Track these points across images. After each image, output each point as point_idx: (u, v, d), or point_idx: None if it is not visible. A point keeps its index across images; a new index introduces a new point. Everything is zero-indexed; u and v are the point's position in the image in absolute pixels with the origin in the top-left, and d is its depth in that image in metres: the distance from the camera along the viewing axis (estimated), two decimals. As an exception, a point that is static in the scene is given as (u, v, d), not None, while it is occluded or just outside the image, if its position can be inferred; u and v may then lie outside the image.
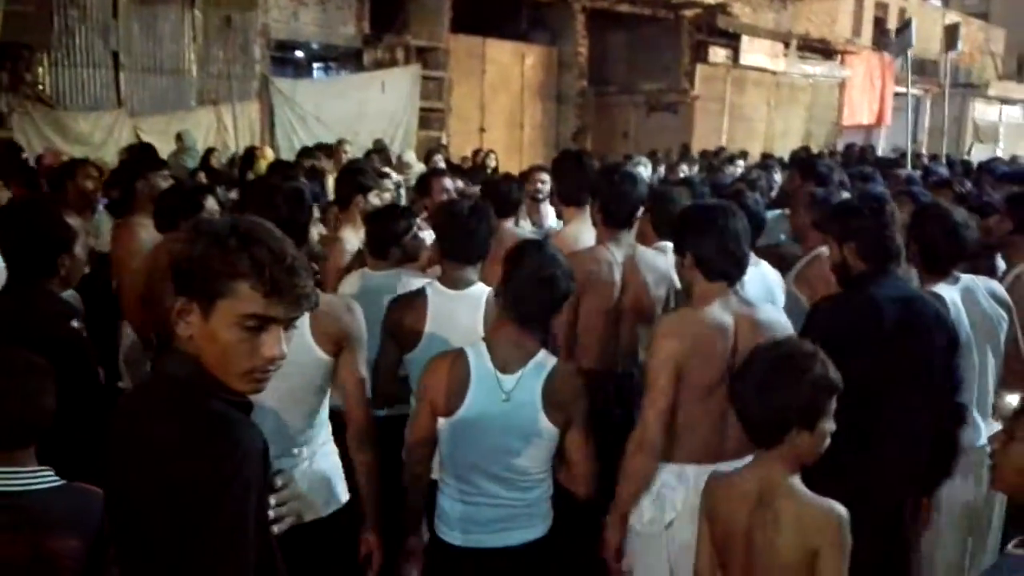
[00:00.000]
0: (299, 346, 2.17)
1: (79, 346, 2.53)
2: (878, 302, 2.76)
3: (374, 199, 4.21)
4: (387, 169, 7.04)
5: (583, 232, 3.76)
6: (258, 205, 2.48)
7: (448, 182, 4.94)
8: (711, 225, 2.58)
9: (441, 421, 2.44)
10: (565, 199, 4.06)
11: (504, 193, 4.25)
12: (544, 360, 2.46)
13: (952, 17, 25.91)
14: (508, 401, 2.39)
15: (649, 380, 2.56)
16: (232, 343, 1.43)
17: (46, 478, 1.87)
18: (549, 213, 5.20)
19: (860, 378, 2.70)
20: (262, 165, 9.34)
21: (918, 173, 7.83)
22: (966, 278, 3.25)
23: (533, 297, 2.42)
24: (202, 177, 8.10)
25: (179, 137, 10.12)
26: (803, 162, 5.62)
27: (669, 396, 2.50)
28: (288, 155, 11.24)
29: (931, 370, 2.79)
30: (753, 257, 3.21)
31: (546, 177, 5.18)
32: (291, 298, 1.45)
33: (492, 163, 11.03)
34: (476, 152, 12.01)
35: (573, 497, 2.57)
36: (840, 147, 16.79)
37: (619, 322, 3.40)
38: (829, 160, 6.43)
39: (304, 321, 1.93)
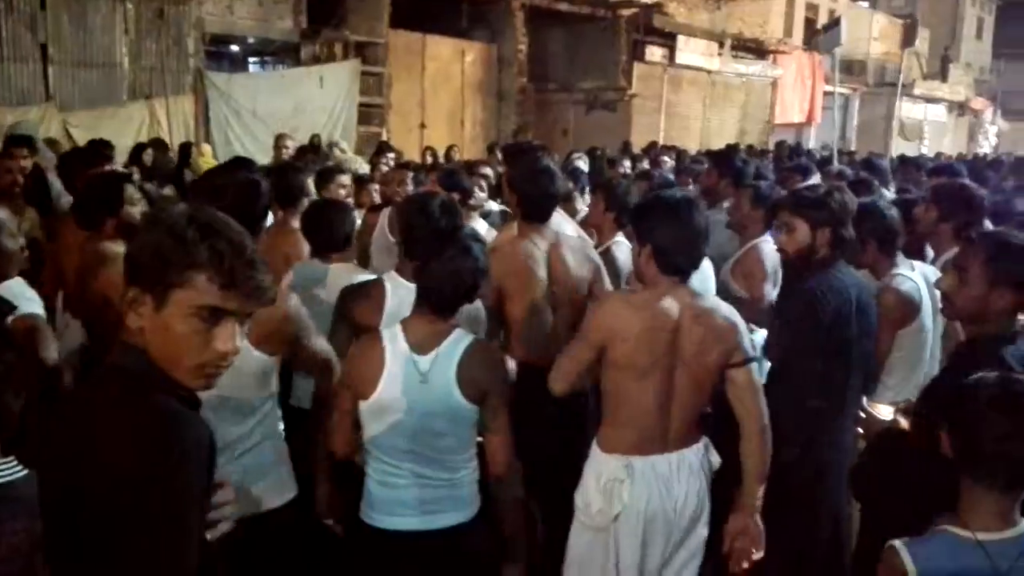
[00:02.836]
0: None
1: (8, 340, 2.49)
2: (845, 287, 2.96)
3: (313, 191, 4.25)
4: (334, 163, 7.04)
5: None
6: (208, 195, 2.46)
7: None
8: (673, 218, 2.58)
9: (362, 404, 2.45)
10: None
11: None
12: (460, 338, 2.49)
13: (880, 18, 26.74)
14: (425, 382, 2.41)
15: (574, 339, 2.68)
16: (185, 335, 1.41)
17: (18, 467, 1.85)
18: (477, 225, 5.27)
19: (839, 349, 2.93)
20: (200, 163, 9.19)
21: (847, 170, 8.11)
22: (918, 264, 3.43)
23: (441, 288, 2.47)
24: (135, 174, 7.91)
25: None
26: (720, 158, 5.80)
27: (584, 359, 2.62)
28: (223, 150, 11.07)
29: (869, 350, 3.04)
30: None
31: (488, 171, 5.25)
32: (248, 291, 1.43)
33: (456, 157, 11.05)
34: (449, 148, 11.96)
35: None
36: (771, 144, 17.23)
37: (552, 313, 3.39)
38: (744, 155, 6.62)
39: None
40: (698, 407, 2.68)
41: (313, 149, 9.80)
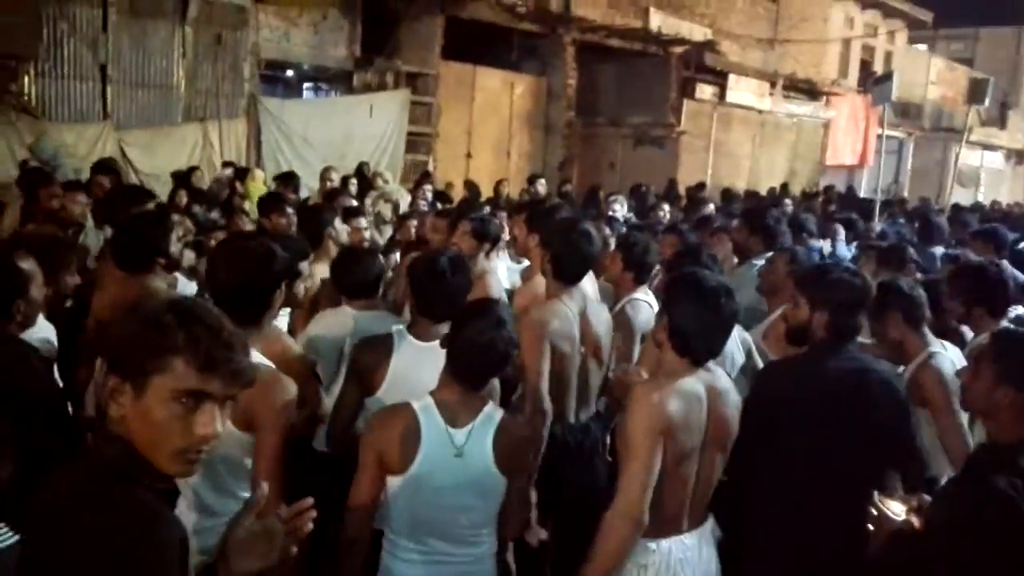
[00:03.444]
0: None
1: (42, 387, 2.53)
2: (833, 371, 2.81)
3: (342, 231, 4.30)
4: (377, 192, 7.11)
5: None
6: (225, 264, 2.50)
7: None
8: (701, 303, 2.46)
9: (391, 479, 2.39)
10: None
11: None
12: (493, 412, 2.47)
13: (937, 62, 26.35)
14: (460, 456, 2.38)
15: (633, 452, 2.42)
16: (166, 420, 1.41)
17: (5, 536, 1.86)
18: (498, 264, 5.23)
19: (805, 445, 2.77)
20: (250, 187, 9.34)
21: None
22: (948, 345, 3.34)
23: (473, 362, 2.44)
24: (183, 197, 8.07)
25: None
26: (752, 215, 5.59)
27: (655, 469, 2.40)
28: (274, 174, 11.21)
29: (879, 442, 2.79)
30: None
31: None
32: (226, 372, 1.43)
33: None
34: (498, 183, 11.76)
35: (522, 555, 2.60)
36: (821, 186, 17.00)
37: (579, 374, 3.36)
38: (777, 212, 6.27)
39: None
40: (715, 484, 2.64)
41: (359, 176, 9.93)
